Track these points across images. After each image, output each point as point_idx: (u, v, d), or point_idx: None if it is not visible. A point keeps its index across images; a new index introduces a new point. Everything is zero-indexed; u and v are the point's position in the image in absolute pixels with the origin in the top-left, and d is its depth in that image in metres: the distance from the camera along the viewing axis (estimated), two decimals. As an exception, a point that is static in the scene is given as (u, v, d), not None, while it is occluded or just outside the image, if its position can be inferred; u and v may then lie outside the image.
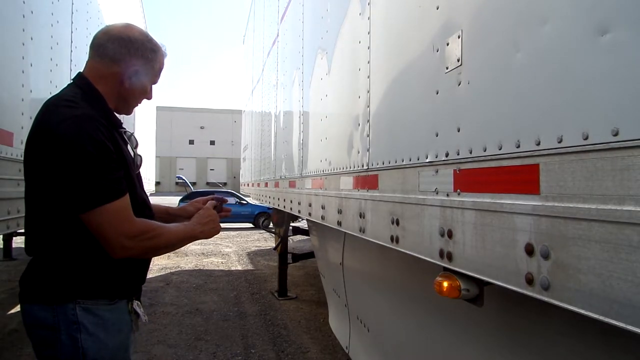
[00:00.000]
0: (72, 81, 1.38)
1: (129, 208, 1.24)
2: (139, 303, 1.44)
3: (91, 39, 1.40)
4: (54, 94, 1.37)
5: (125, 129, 1.45)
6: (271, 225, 10.46)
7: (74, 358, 1.23)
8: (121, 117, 1.49)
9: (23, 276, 1.30)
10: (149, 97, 1.52)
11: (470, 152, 1.14)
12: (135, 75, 1.39)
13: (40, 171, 1.22)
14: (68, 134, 1.17)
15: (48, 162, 1.18)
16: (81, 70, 1.40)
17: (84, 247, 1.24)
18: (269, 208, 5.27)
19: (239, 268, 7.73)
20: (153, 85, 1.50)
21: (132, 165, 1.37)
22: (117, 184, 1.21)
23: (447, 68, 1.28)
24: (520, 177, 0.95)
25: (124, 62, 1.37)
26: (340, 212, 2.23)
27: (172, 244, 1.36)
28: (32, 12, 2.57)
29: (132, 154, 1.41)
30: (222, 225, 1.70)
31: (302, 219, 4.84)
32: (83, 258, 1.25)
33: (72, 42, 3.49)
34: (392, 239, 1.58)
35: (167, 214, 1.65)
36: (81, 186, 1.16)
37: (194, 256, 8.81)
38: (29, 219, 1.30)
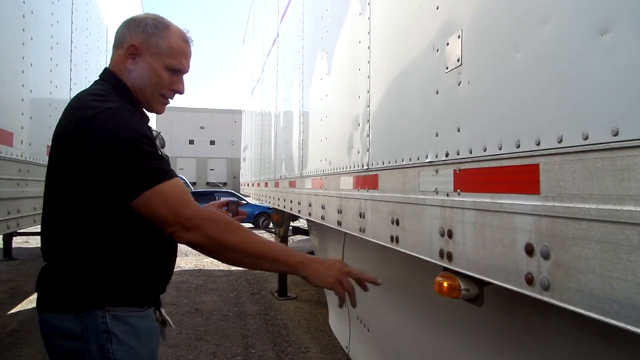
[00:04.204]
0: (99, 77, 1.31)
1: (185, 190, 1.17)
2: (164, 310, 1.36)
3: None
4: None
5: (151, 127, 1.36)
6: (271, 225, 10.46)
7: None
8: None
9: (41, 283, 1.20)
10: (178, 89, 1.34)
11: (470, 152, 1.14)
12: (135, 54, 1.26)
13: (76, 168, 1.12)
14: (109, 124, 1.10)
15: (88, 156, 1.10)
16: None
17: (115, 252, 1.17)
18: (269, 208, 5.26)
19: (239, 268, 7.72)
20: (175, 73, 1.31)
21: None
22: (167, 166, 1.15)
23: (447, 68, 1.28)
24: (520, 177, 0.95)
25: (125, 42, 1.27)
26: (340, 212, 2.23)
27: (247, 248, 1.18)
28: (32, 12, 2.57)
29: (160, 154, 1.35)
30: None
31: (302, 219, 4.84)
32: (113, 263, 1.17)
33: (72, 42, 3.49)
34: (392, 239, 1.58)
35: None
36: (132, 170, 1.09)
37: (194, 256, 8.81)
38: (51, 222, 1.21)
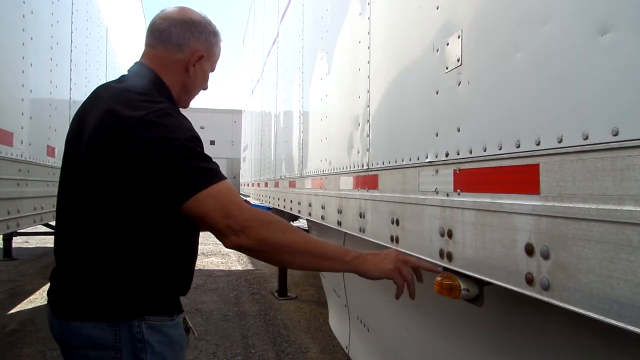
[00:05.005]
0: (130, 72, 1.26)
1: (237, 192, 1.13)
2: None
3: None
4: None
5: None
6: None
7: None
8: None
9: (64, 290, 1.14)
10: (206, 87, 1.40)
11: (470, 152, 1.14)
12: (199, 61, 1.28)
13: (118, 170, 1.06)
14: (161, 125, 1.05)
15: (138, 158, 1.03)
16: (140, 60, 1.28)
17: (151, 257, 1.13)
18: (269, 208, 5.27)
19: (239, 268, 7.73)
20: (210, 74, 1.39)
21: None
22: (217, 167, 1.11)
23: (447, 68, 1.28)
24: (520, 177, 0.95)
25: (188, 48, 1.26)
26: (340, 212, 2.23)
27: (307, 249, 1.13)
28: (32, 12, 2.57)
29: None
30: None
31: (302, 219, 4.85)
32: (150, 269, 1.13)
33: (72, 42, 3.49)
34: (392, 239, 1.58)
35: None
36: (185, 171, 1.04)
37: (194, 256, 8.79)
38: (78, 226, 1.13)
